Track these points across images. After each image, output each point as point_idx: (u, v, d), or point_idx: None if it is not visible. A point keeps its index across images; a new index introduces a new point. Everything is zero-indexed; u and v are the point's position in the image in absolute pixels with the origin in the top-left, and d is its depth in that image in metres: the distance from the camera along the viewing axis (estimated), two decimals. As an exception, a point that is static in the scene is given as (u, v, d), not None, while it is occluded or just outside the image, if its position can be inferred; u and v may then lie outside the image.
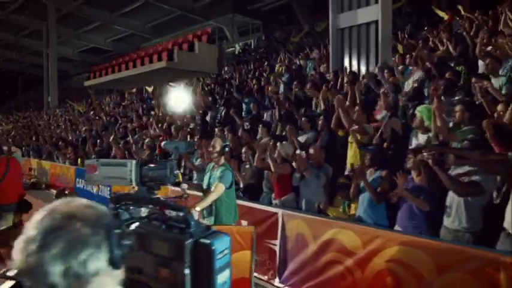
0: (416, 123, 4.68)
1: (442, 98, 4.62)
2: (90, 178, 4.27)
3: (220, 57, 12.06)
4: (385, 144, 4.91)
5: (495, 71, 5.27)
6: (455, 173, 3.63)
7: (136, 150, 9.10)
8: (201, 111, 9.89)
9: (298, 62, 12.85)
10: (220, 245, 1.42)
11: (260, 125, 7.00)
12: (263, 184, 5.85)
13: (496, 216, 3.39)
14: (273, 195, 5.56)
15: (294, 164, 5.29)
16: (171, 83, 12.93)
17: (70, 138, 15.11)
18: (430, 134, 4.54)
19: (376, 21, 8.88)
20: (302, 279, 4.57)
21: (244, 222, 5.01)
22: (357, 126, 5.15)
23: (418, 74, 6.84)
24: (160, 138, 9.50)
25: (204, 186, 4.47)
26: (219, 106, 10.82)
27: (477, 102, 4.77)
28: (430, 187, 3.80)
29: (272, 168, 5.31)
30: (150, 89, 18.90)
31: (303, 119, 6.30)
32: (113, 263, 0.93)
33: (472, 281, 3.12)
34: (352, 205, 4.69)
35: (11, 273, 0.86)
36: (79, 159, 12.21)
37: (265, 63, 14.51)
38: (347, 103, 5.61)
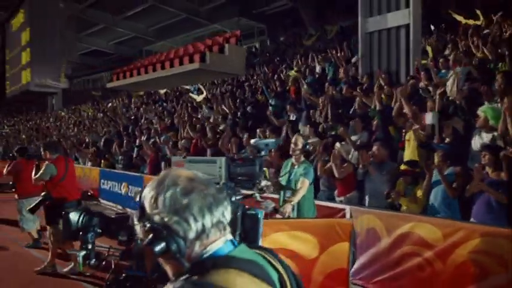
0: (481, 123, 4.90)
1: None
2: None
3: (246, 59, 12.33)
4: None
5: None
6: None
7: (171, 151, 9.25)
8: (231, 113, 10.06)
9: (317, 65, 13.07)
10: (261, 216, 1.92)
11: (308, 126, 7.20)
12: (320, 183, 6.04)
13: None
14: (336, 192, 5.76)
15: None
16: (190, 92, 13.13)
17: (87, 140, 15.18)
18: (495, 133, 4.77)
19: (406, 25, 9.13)
20: (374, 272, 4.75)
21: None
22: (418, 126, 5.38)
23: (452, 76, 7.08)
24: (194, 141, 9.65)
25: (284, 183, 4.64)
26: (245, 108, 11.03)
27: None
28: (510, 181, 4.02)
29: (336, 174, 5.52)
30: (162, 92, 19.05)
31: (355, 119, 6.51)
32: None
33: None
34: (418, 191, 4.88)
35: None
36: (102, 161, 12.30)
37: (283, 66, 14.74)
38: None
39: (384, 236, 4.71)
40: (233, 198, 4.18)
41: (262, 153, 4.20)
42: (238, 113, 10.36)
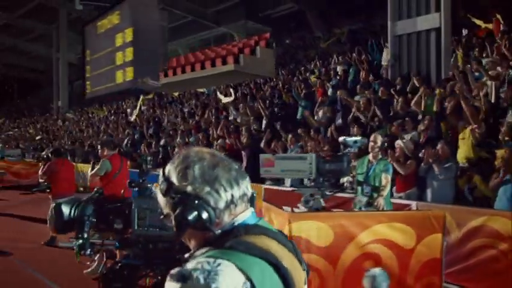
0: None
1: None
2: (268, 171, 4.68)
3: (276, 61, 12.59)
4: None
5: None
6: None
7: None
8: (265, 115, 10.28)
9: (338, 68, 13.33)
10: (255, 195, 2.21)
11: (355, 126, 7.44)
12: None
13: None
14: (394, 188, 6.00)
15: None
16: (220, 97, 13.32)
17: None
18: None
19: (436, 29, 9.44)
20: (446, 264, 4.99)
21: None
22: (476, 125, 5.64)
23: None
24: (228, 141, 9.85)
25: (361, 179, 4.86)
26: (273, 110, 11.26)
27: None
28: None
29: (401, 171, 5.76)
30: (176, 94, 19.20)
31: (406, 119, 6.76)
32: None
33: None
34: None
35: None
36: (128, 162, 12.41)
37: (300, 68, 15.01)
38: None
39: (453, 229, 4.95)
40: (327, 193, 4.41)
41: (350, 150, 4.45)
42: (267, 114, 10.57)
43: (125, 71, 6.78)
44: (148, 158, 11.57)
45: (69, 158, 9.90)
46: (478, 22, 12.33)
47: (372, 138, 4.92)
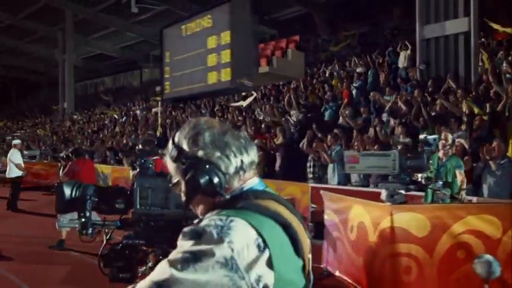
0: None
1: None
2: (352, 168, 4.96)
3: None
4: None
5: None
6: None
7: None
8: (300, 116, 10.55)
9: (357, 70, 13.65)
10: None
11: (399, 126, 7.72)
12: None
13: None
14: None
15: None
16: (241, 102, 13.55)
17: (125, 141, 15.41)
18: None
19: (465, 33, 9.80)
20: None
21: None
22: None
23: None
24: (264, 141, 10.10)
25: (431, 175, 5.13)
26: (300, 111, 11.52)
27: None
28: None
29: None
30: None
31: (451, 120, 7.07)
32: None
33: None
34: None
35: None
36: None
37: (320, 70, 15.31)
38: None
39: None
40: (410, 187, 4.67)
41: (430, 147, 4.73)
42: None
43: (220, 72, 7.03)
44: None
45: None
46: (496, 26, 12.75)
47: (442, 136, 5.19)
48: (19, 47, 35.65)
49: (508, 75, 8.69)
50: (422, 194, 5.37)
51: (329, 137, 8.60)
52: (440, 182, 5.04)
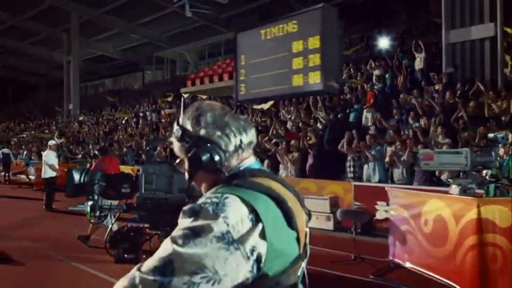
0: None
1: None
2: (427, 165, 5.29)
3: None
4: None
5: None
6: None
7: (282, 151, 9.98)
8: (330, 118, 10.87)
9: (375, 73, 14.00)
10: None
11: (439, 127, 8.07)
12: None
13: None
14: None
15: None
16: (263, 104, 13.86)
17: (145, 143, 15.58)
18: None
19: (490, 38, 10.22)
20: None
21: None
22: None
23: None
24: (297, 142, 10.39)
25: (495, 172, 5.47)
26: (327, 112, 11.84)
27: None
28: None
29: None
30: (204, 97, 19.62)
31: (490, 121, 7.44)
32: None
33: None
34: None
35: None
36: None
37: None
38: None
39: None
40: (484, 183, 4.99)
41: (499, 145, 5.07)
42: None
43: (307, 75, 7.31)
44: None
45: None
46: (510, 30, 13.22)
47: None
48: (20, 48, 35.49)
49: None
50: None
51: (367, 137, 8.92)
52: (504, 179, 5.39)
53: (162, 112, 18.92)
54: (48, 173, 10.85)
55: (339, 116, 10.96)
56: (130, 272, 0.98)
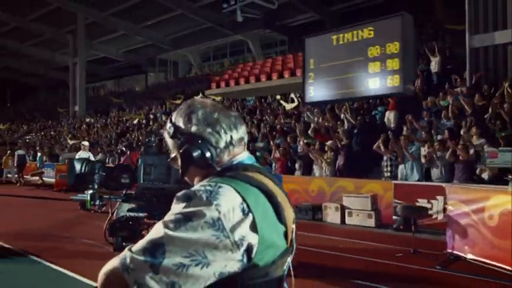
0: None
1: None
2: (492, 162, 5.67)
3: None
4: None
5: None
6: None
7: (317, 152, 10.31)
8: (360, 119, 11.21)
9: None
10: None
11: (474, 128, 8.44)
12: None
13: None
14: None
15: None
16: (284, 103, 14.15)
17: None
18: None
19: (513, 43, 10.67)
20: None
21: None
22: None
23: None
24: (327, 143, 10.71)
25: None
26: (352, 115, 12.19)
27: None
28: None
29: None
30: (218, 99, 19.83)
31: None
32: None
33: None
34: None
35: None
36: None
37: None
38: None
39: None
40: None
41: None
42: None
43: (385, 78, 7.64)
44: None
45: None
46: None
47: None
48: (21, 50, 35.36)
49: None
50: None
51: (402, 138, 9.26)
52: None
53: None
54: (82, 173, 10.99)
55: (366, 119, 11.31)
56: (122, 252, 0.99)
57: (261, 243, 1.01)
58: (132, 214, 2.19)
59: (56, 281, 5.21)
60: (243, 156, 1.18)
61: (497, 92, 10.05)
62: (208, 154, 1.12)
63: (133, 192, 2.26)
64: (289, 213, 1.15)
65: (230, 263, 0.98)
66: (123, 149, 8.76)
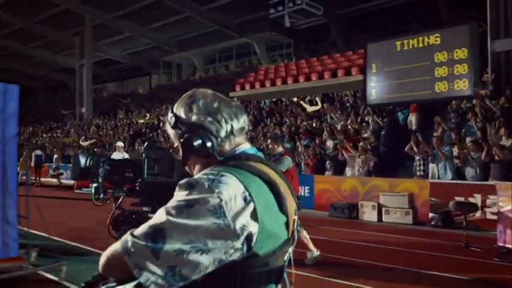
0: None
1: None
2: None
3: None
4: None
5: None
6: None
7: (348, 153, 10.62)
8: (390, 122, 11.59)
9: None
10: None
11: (502, 128, 8.83)
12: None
13: None
14: None
15: None
16: (306, 106, 14.47)
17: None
18: None
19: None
20: None
21: None
22: None
23: None
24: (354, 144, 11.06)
25: None
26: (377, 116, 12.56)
27: None
28: None
29: None
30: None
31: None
32: None
33: None
34: None
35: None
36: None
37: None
38: None
39: None
40: None
41: None
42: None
43: (453, 82, 8.07)
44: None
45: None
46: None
47: None
48: (23, 51, 35.24)
49: None
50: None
51: (434, 139, 9.63)
52: None
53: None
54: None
55: (389, 120, 11.70)
56: (123, 237, 1.01)
57: (261, 233, 1.01)
58: (135, 208, 2.23)
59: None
60: (246, 146, 1.18)
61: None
62: (209, 143, 1.12)
63: (137, 186, 2.31)
64: (292, 204, 1.15)
65: (230, 251, 0.98)
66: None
